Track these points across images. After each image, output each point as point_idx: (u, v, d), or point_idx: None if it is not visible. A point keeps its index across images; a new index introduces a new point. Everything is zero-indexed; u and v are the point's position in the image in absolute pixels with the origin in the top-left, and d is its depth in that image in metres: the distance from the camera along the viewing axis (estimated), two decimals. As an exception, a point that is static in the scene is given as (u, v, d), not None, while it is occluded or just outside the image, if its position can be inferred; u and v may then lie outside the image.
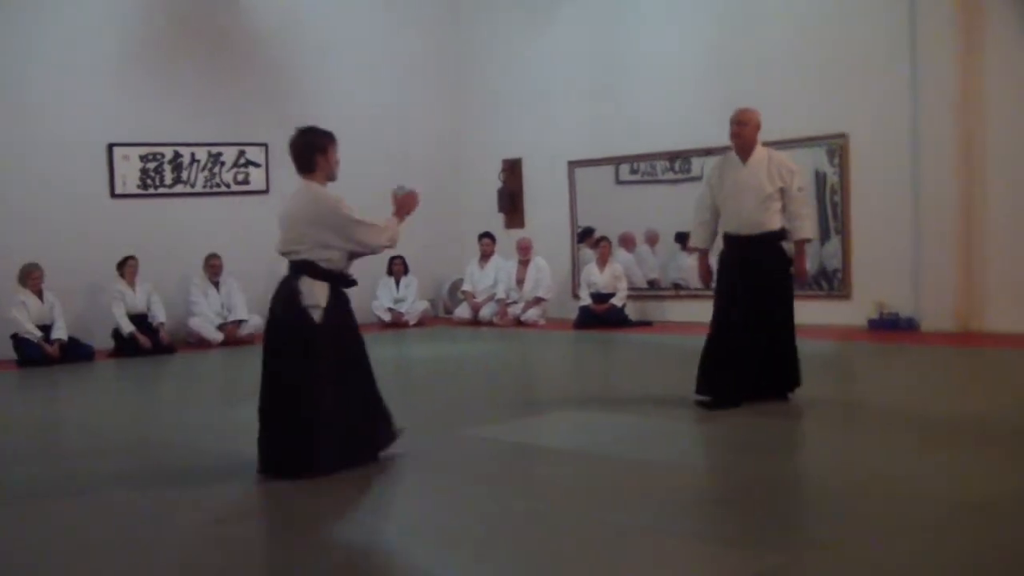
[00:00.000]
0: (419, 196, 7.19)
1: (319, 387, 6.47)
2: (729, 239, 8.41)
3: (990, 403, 8.38)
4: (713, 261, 8.71)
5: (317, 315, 6.53)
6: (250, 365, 12.95)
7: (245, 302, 14.91)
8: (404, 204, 7.18)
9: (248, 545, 5.24)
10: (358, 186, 16.58)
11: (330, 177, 7.04)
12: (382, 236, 6.88)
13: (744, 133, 8.33)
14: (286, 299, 6.62)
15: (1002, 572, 4.40)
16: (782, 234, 8.31)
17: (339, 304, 6.71)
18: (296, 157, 7.01)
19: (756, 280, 8.21)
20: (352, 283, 6.86)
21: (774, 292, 8.28)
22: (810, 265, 13.78)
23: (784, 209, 8.26)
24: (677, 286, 15.58)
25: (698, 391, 8.25)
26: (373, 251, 6.97)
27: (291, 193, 6.98)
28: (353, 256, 6.83)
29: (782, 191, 8.21)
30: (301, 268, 6.66)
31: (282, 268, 14.88)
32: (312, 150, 7.02)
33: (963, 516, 5.14)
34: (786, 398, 8.31)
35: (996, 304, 12.58)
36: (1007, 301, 12.47)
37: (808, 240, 8.49)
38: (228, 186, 15.79)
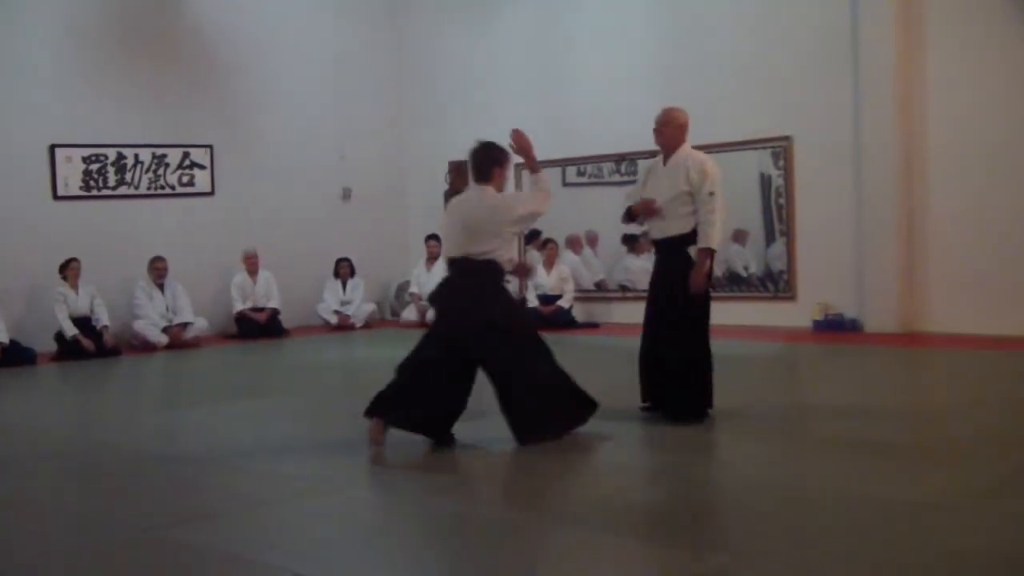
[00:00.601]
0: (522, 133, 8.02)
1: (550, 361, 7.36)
2: (653, 243, 8.21)
3: (932, 403, 8.49)
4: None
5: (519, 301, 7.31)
6: (196, 368, 12.95)
7: (190, 305, 14.81)
8: (524, 148, 7.92)
9: (187, 550, 5.20)
10: (304, 187, 16.66)
11: (499, 189, 7.57)
12: (543, 206, 7.63)
13: (665, 132, 7.99)
14: (492, 294, 7.26)
15: (939, 572, 4.44)
16: (691, 238, 7.79)
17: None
18: (476, 167, 7.61)
19: (666, 286, 7.90)
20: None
21: (677, 300, 7.78)
22: (749, 269, 14.06)
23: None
24: (624, 287, 15.63)
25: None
26: None
27: (463, 199, 7.65)
28: None
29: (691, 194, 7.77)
30: (486, 266, 7.23)
31: (231, 268, 14.66)
32: (492, 163, 7.60)
33: (902, 517, 5.18)
34: (690, 421, 7.70)
35: (938, 305, 12.73)
36: (949, 302, 12.62)
37: (709, 250, 7.71)
38: (173, 188, 15.66)
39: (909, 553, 4.65)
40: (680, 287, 7.73)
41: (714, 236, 7.70)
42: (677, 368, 7.78)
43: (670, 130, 8.00)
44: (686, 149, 7.97)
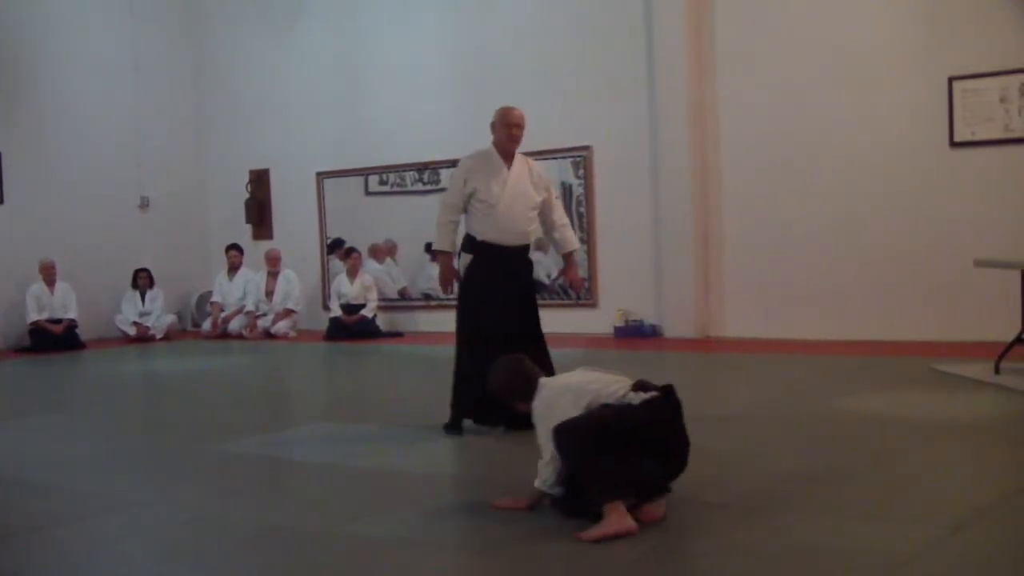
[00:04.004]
0: None
1: None
2: (490, 248, 7.70)
3: (727, 405, 8.72)
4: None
5: None
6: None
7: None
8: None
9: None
10: (100, 195, 16.23)
11: None
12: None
13: (521, 137, 7.77)
14: None
15: (734, 571, 4.58)
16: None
17: None
18: None
19: (514, 292, 7.76)
20: None
21: (530, 305, 7.81)
22: (551, 276, 14.25)
23: (544, 219, 7.90)
24: (428, 296, 15.67)
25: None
26: None
27: None
28: None
29: (543, 202, 7.81)
30: None
31: (24, 279, 14.02)
32: None
33: (700, 516, 5.32)
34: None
35: (731, 311, 13.17)
36: (741, 309, 13.07)
37: (576, 249, 8.15)
38: (-42, 196, 15.12)
39: (706, 552, 4.78)
40: (532, 292, 7.93)
41: (573, 237, 8.17)
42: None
43: (522, 134, 7.83)
44: (519, 154, 7.86)
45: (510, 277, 7.73)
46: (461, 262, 7.81)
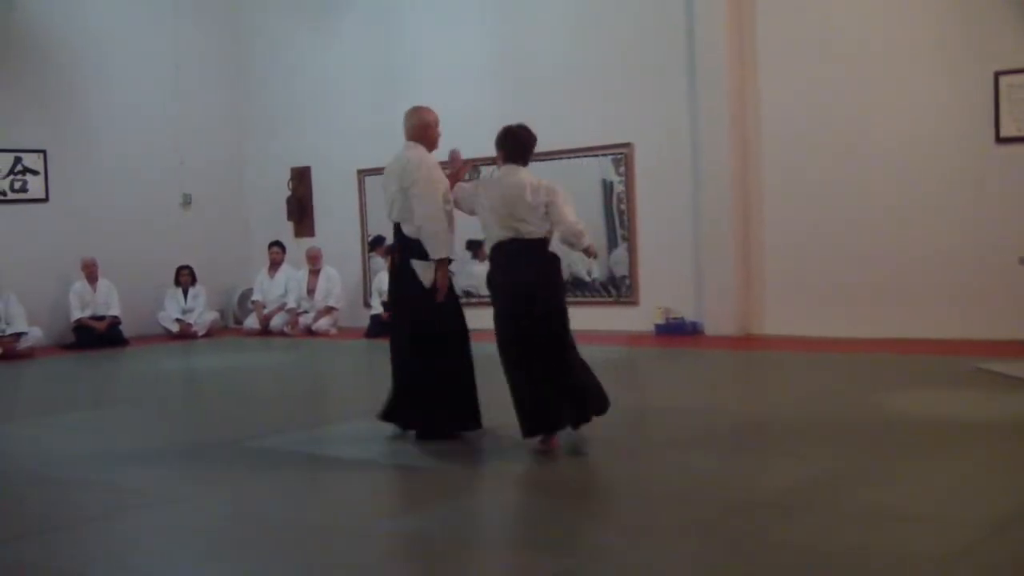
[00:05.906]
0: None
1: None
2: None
3: (768, 403, 8.67)
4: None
5: None
6: (30, 379, 12.58)
7: (24, 314, 14.37)
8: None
9: (19, 567, 5.06)
10: (143, 193, 16.33)
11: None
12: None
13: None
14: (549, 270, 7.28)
15: (777, 570, 4.53)
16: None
17: None
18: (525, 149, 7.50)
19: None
20: None
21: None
22: (592, 274, 14.19)
23: None
24: (468, 293, 15.63)
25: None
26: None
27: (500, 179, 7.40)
28: None
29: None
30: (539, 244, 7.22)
31: (68, 276, 14.07)
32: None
33: (743, 516, 5.28)
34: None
35: (773, 308, 13.06)
36: (782, 305, 12.96)
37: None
38: (4, 194, 15.20)
39: (750, 553, 4.74)
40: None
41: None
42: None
43: None
44: None
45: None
46: None
